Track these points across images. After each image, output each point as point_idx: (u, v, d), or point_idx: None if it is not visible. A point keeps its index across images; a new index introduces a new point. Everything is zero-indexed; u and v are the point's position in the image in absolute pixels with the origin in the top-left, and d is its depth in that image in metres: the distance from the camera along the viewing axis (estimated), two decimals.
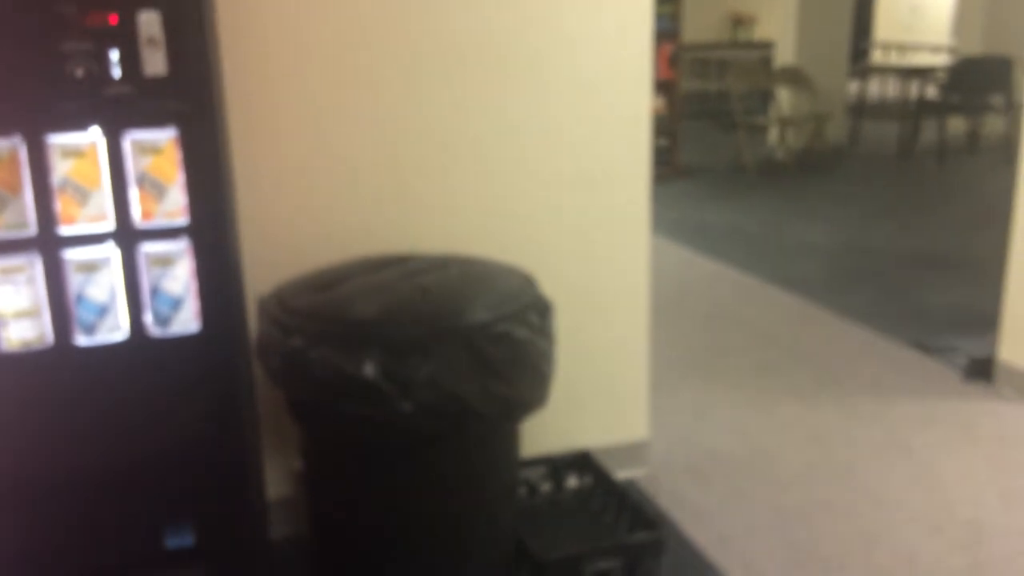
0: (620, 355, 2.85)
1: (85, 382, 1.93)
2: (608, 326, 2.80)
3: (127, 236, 1.90)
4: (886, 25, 13.44)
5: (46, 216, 1.85)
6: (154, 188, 1.89)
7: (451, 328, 1.99)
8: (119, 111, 1.84)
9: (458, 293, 2.12)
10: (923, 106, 8.78)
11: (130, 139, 1.86)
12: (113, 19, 1.81)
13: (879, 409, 3.38)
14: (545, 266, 2.46)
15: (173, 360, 1.96)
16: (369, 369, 1.92)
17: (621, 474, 2.76)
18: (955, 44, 10.42)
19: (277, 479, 2.48)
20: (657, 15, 2.67)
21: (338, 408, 1.99)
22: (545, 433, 2.67)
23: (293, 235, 2.45)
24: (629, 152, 2.70)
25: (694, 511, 2.72)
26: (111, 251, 1.90)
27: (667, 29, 7.02)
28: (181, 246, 1.92)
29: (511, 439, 2.30)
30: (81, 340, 1.91)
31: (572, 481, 2.71)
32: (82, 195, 1.86)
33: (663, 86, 7.00)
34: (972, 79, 8.26)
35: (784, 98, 8.51)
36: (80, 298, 1.89)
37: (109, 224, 1.88)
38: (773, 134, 8.62)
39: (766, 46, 10.60)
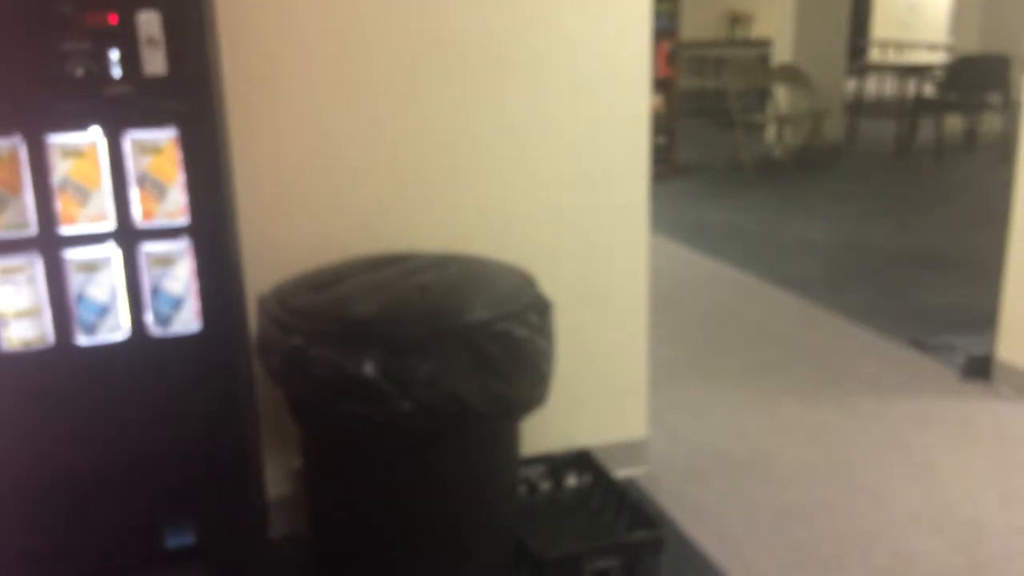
0: (619, 354, 2.85)
1: (86, 382, 1.93)
2: (607, 325, 2.81)
3: (128, 236, 1.89)
4: (883, 23, 13.46)
5: (46, 216, 1.84)
6: (154, 188, 1.89)
7: (451, 327, 1.99)
8: (119, 111, 1.84)
9: (458, 292, 2.12)
10: (921, 104, 8.80)
11: (130, 139, 1.86)
12: (113, 19, 1.80)
13: (878, 408, 3.39)
14: (544, 265, 2.46)
15: (174, 360, 1.96)
16: (369, 368, 1.92)
17: (620, 473, 2.77)
18: (952, 42, 10.44)
19: (277, 478, 2.49)
20: (655, 13, 2.67)
21: (338, 407, 1.99)
22: (545, 432, 2.67)
23: (293, 234, 2.45)
24: (629, 152, 2.70)
25: (693, 510, 2.72)
26: (112, 251, 1.89)
27: (665, 27, 7.03)
28: (182, 246, 1.92)
29: (511, 438, 2.30)
30: (82, 340, 1.90)
31: (572, 480, 2.71)
32: (82, 195, 1.86)
33: (661, 84, 7.00)
34: (970, 77, 8.27)
35: (782, 96, 8.52)
36: (81, 298, 1.89)
37: (110, 224, 1.88)
38: (771, 132, 8.63)
39: (763, 44, 10.60)
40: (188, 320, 1.95)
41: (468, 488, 2.19)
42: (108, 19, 1.80)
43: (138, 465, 1.99)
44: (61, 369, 1.91)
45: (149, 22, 1.81)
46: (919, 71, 9.09)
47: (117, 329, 1.92)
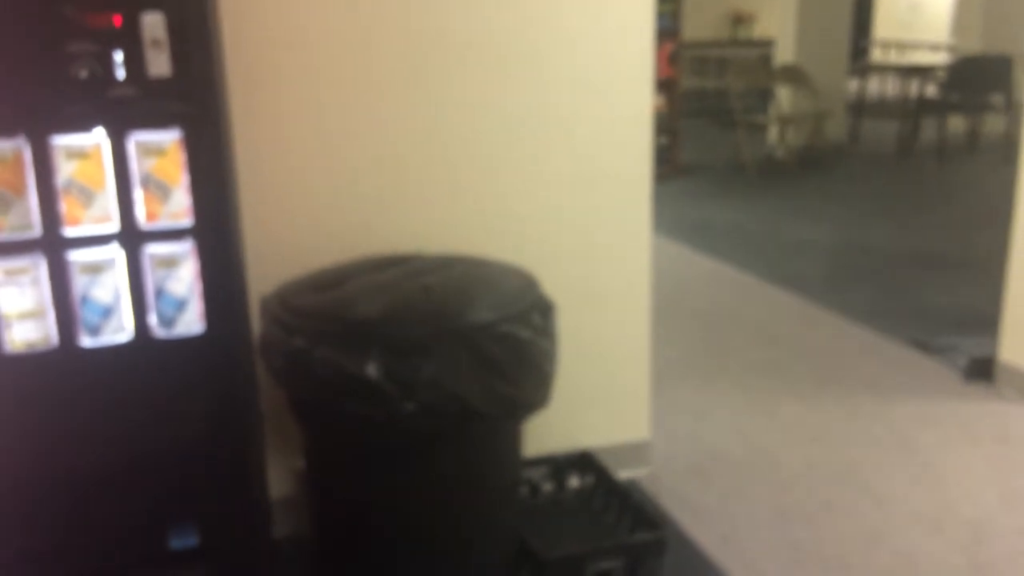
0: (621, 355, 2.85)
1: (90, 383, 1.93)
2: (609, 326, 2.81)
3: (131, 237, 1.90)
4: (885, 23, 13.44)
5: (50, 217, 1.85)
6: (158, 189, 1.89)
7: (454, 328, 2.00)
8: (123, 112, 1.84)
9: (461, 293, 2.12)
10: (923, 105, 8.78)
11: (134, 140, 1.86)
12: (117, 20, 1.80)
13: (880, 409, 3.39)
14: (546, 265, 2.46)
15: (177, 361, 1.97)
16: (371, 369, 1.93)
17: (623, 474, 2.77)
18: (954, 42, 10.43)
19: (279, 479, 2.49)
20: (657, 13, 2.68)
21: (340, 408, 2.00)
22: (547, 433, 2.67)
23: (296, 235, 2.45)
24: (631, 152, 2.70)
25: (695, 511, 2.72)
26: (115, 252, 1.90)
27: (667, 27, 7.02)
28: (185, 247, 1.92)
29: (513, 439, 2.31)
30: (86, 341, 1.91)
31: (574, 481, 2.71)
32: (86, 196, 1.86)
33: (663, 84, 7.00)
34: (972, 78, 8.26)
35: (784, 96, 8.52)
36: (84, 299, 1.89)
37: (113, 225, 1.89)
38: (773, 132, 8.62)
39: (766, 44, 10.59)
40: (192, 321, 1.96)
41: (470, 489, 2.19)
42: (112, 21, 1.81)
43: (141, 466, 2.00)
44: (65, 370, 1.92)
45: (153, 24, 1.81)
46: (921, 71, 9.08)
47: (121, 330, 1.93)
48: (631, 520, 2.48)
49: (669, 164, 7.48)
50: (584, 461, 2.71)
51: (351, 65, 2.41)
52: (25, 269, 1.86)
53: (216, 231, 1.93)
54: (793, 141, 8.36)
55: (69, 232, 1.87)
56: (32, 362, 1.90)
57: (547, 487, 2.69)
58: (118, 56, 1.81)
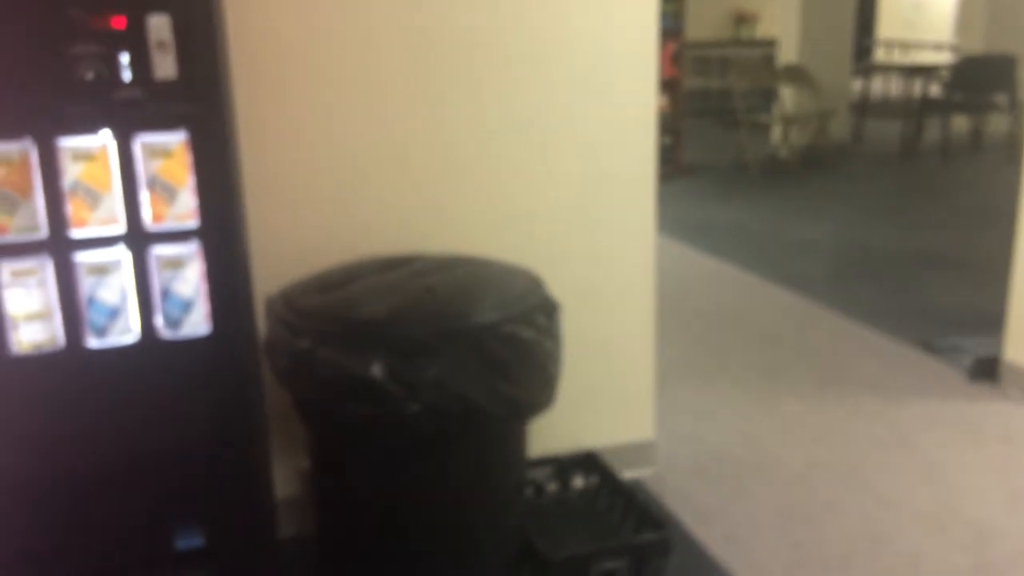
0: (626, 355, 2.86)
1: (96, 384, 1.94)
2: (613, 326, 2.81)
3: (138, 239, 1.90)
4: (889, 23, 13.43)
5: (57, 219, 1.85)
6: (164, 191, 1.90)
7: (458, 329, 2.00)
8: (129, 114, 1.85)
9: (465, 294, 2.13)
10: (926, 104, 8.78)
11: (140, 142, 1.87)
12: (123, 22, 1.81)
13: (883, 409, 3.39)
14: (550, 265, 2.47)
15: (183, 362, 1.97)
16: (376, 369, 1.93)
17: (627, 474, 2.77)
18: (958, 42, 10.42)
19: (284, 479, 2.49)
20: (660, 13, 2.68)
21: (345, 408, 2.00)
22: (551, 433, 2.67)
23: (301, 236, 2.46)
24: (635, 152, 2.70)
25: (700, 511, 2.73)
26: (122, 254, 1.90)
27: (670, 27, 7.03)
28: (191, 249, 1.93)
29: (518, 439, 2.31)
30: (92, 342, 1.92)
31: (578, 481, 2.72)
32: (93, 198, 1.87)
33: (667, 84, 7.00)
34: (976, 77, 8.26)
35: (787, 96, 8.52)
36: (91, 301, 1.90)
37: (120, 227, 1.89)
38: (776, 132, 8.62)
39: (769, 44, 10.58)
40: (198, 322, 1.96)
41: (475, 489, 2.20)
42: (118, 23, 1.81)
43: (147, 466, 2.00)
44: (72, 371, 1.92)
45: (159, 26, 1.81)
46: (925, 71, 9.07)
47: (127, 332, 1.93)
48: (635, 520, 2.48)
49: (672, 164, 7.48)
50: (588, 461, 2.72)
51: (356, 66, 2.42)
52: (32, 270, 1.86)
53: (222, 232, 1.94)
54: (796, 141, 8.36)
55: (76, 234, 1.87)
56: (39, 363, 1.90)
57: (552, 487, 2.70)
58: (124, 58, 1.82)
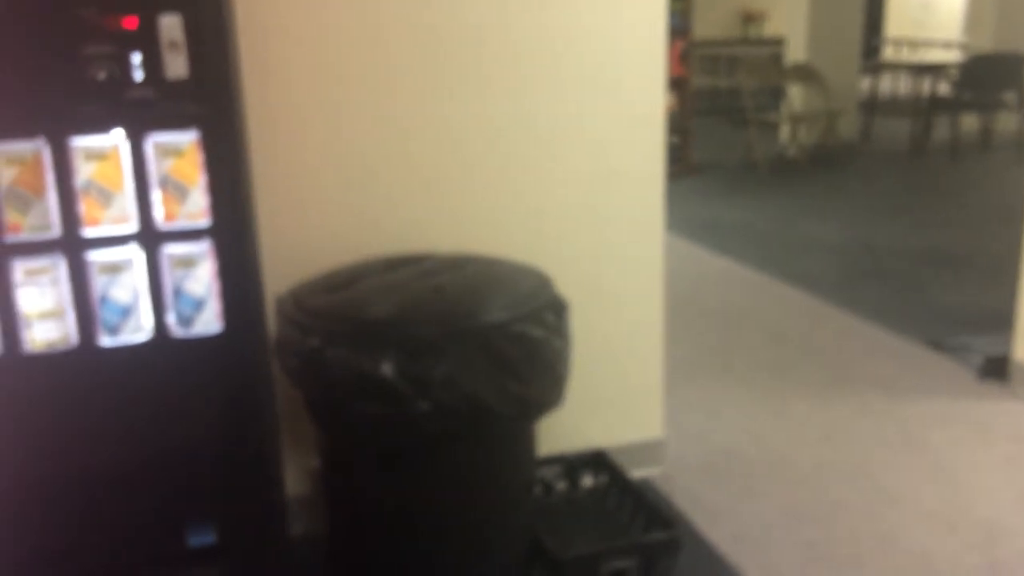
0: (635, 354, 2.86)
1: (109, 382, 1.95)
2: (622, 325, 2.81)
3: (150, 238, 1.91)
4: (897, 21, 13.38)
5: (70, 218, 1.87)
6: (176, 190, 1.91)
7: (467, 328, 2.01)
8: (141, 114, 1.86)
9: (474, 293, 2.13)
10: (935, 103, 8.75)
11: (152, 141, 1.88)
12: (135, 23, 1.82)
13: (892, 408, 3.38)
14: (559, 264, 2.47)
15: (194, 360, 1.98)
16: (386, 368, 1.94)
17: (636, 473, 2.77)
18: (967, 40, 10.38)
19: (295, 477, 2.50)
20: (669, 11, 2.68)
21: (355, 407, 2.01)
22: (561, 432, 2.68)
23: (311, 235, 2.46)
24: (644, 150, 2.70)
25: (709, 510, 2.73)
26: (134, 253, 1.92)
27: (678, 26, 7.02)
28: (203, 247, 1.94)
29: (527, 438, 2.31)
30: (105, 341, 1.93)
31: (587, 480, 2.72)
32: (105, 197, 1.88)
33: (675, 83, 6.99)
34: (985, 76, 8.22)
35: (795, 95, 8.50)
36: (104, 299, 1.91)
37: (132, 226, 1.90)
38: (784, 131, 8.61)
39: (777, 42, 10.56)
40: (209, 321, 1.97)
41: (484, 488, 2.20)
42: (130, 23, 1.82)
43: (158, 464, 2.01)
44: (84, 370, 1.93)
45: (171, 26, 1.82)
46: (934, 69, 9.04)
47: (140, 330, 1.94)
48: (645, 519, 2.48)
49: (681, 163, 7.48)
50: (598, 460, 2.72)
51: (364, 65, 2.43)
52: (45, 269, 1.88)
53: (233, 231, 1.95)
54: (805, 139, 8.34)
55: (88, 232, 1.89)
56: (52, 361, 1.92)
57: (561, 486, 2.70)
58: (136, 58, 1.83)
